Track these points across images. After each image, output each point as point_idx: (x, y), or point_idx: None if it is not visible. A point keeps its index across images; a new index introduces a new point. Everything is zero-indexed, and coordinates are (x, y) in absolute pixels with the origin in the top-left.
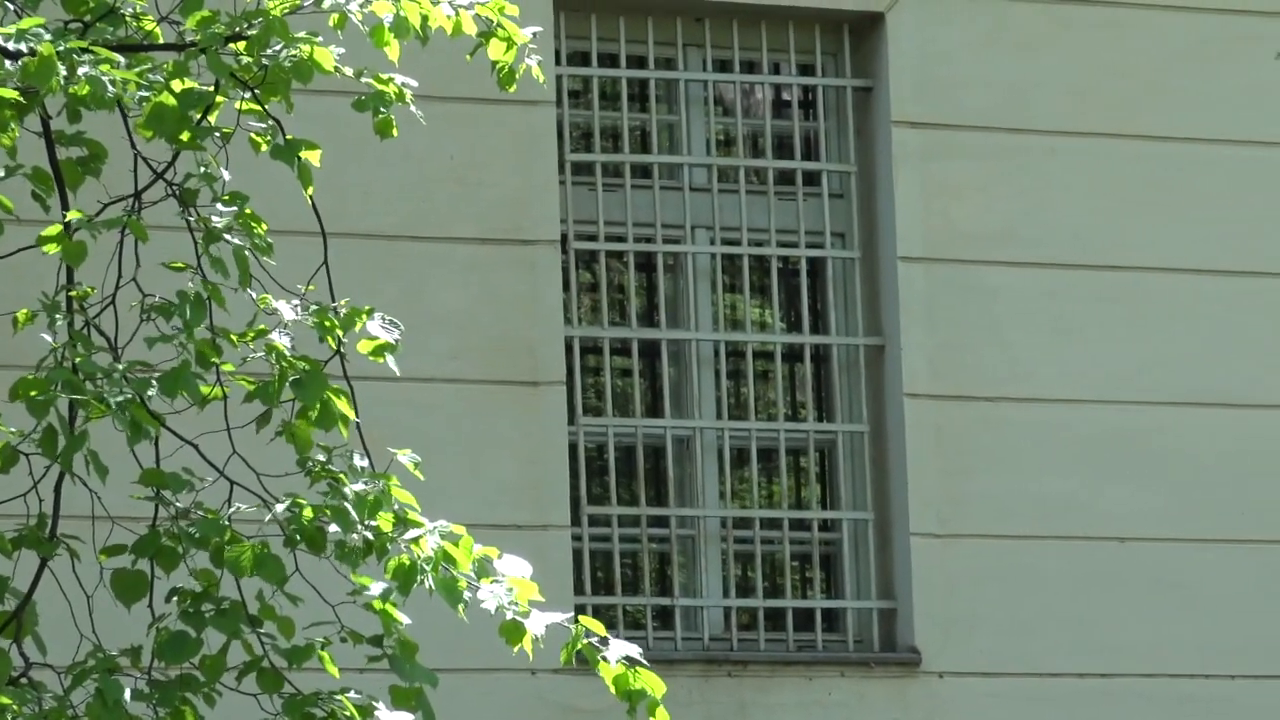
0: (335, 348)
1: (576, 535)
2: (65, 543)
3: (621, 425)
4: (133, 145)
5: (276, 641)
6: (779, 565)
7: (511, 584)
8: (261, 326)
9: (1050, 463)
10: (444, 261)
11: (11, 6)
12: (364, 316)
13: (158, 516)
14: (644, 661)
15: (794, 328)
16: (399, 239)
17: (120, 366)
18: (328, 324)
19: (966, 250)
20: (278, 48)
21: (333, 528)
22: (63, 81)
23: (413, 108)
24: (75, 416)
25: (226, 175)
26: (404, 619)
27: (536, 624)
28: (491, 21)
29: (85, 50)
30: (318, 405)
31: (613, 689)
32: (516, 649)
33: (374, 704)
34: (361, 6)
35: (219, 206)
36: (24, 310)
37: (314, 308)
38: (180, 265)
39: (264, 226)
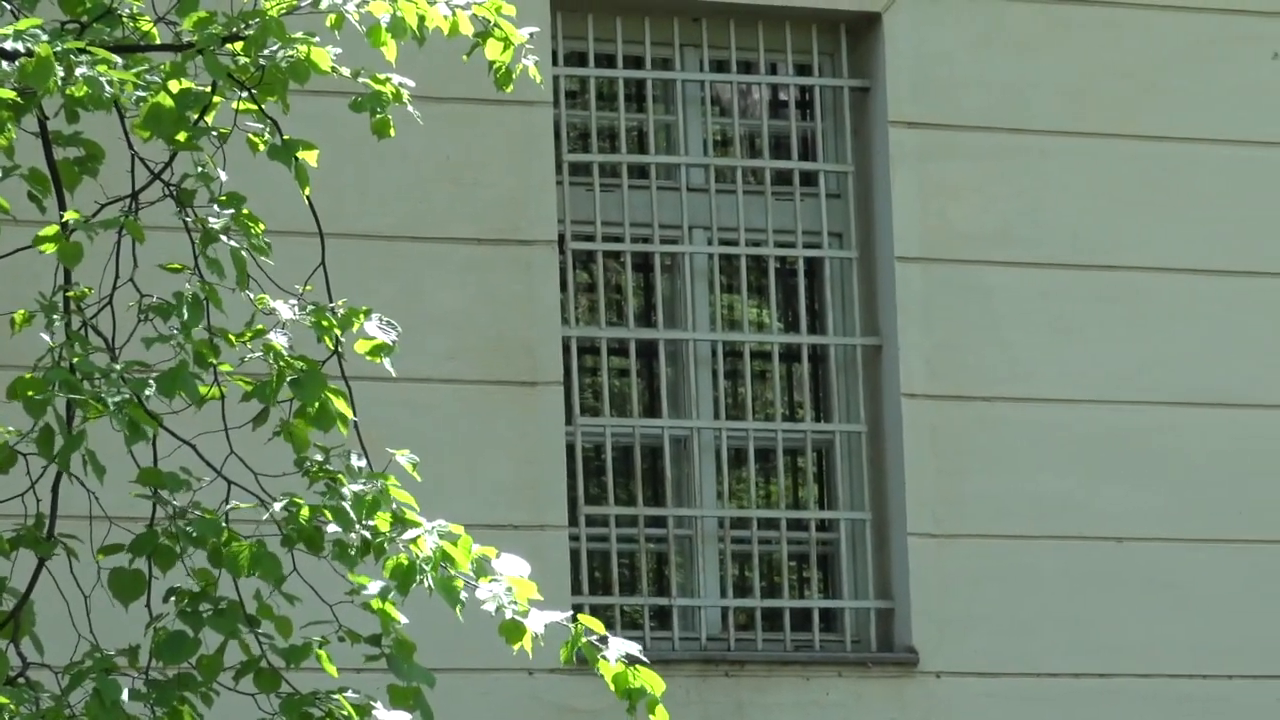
0: (333, 348)
1: (574, 535)
2: (63, 542)
3: (619, 425)
4: (130, 146)
5: (274, 641)
6: (776, 565)
7: (510, 583)
8: (259, 326)
9: (1047, 463)
10: (441, 262)
11: (9, 7)
12: (361, 317)
13: (155, 516)
14: (644, 659)
15: (791, 328)
16: (396, 239)
17: (118, 366)
18: (325, 324)
19: (964, 250)
20: (275, 48)
21: (331, 527)
22: (60, 82)
23: (410, 108)
24: (73, 416)
25: (224, 176)
26: (402, 618)
27: (536, 623)
28: (488, 22)
29: (82, 51)
30: (316, 405)
31: (612, 687)
32: (516, 648)
33: (372, 703)
34: (358, 7)
35: (216, 207)
36: (21, 310)
37: (311, 308)
38: (177, 267)
39: (261, 227)
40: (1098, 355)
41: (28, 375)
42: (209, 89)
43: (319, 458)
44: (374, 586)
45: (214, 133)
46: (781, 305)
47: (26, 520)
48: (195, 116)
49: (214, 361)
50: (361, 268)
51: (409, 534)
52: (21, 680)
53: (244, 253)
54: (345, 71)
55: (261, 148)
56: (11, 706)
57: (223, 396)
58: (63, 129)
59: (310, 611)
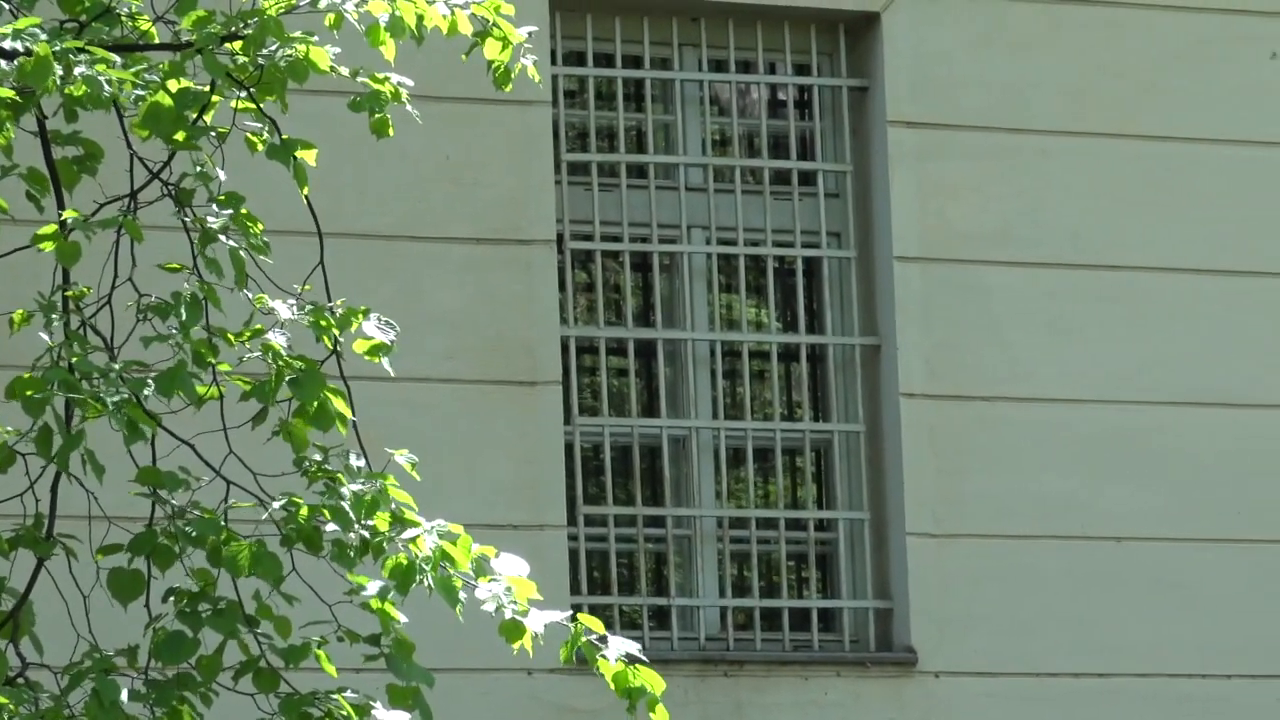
0: (331, 348)
1: (573, 535)
2: (62, 542)
3: (617, 425)
4: (129, 145)
5: (273, 641)
6: (775, 565)
7: (510, 583)
8: (258, 326)
9: (1046, 462)
10: (440, 261)
11: (7, 6)
12: (360, 316)
13: (154, 516)
14: (644, 658)
15: (790, 327)
16: (395, 239)
17: (116, 366)
18: (323, 324)
19: (962, 250)
20: (273, 47)
21: (330, 527)
22: (58, 81)
23: (409, 107)
24: (71, 416)
25: (222, 175)
26: (401, 618)
27: (536, 622)
28: (487, 21)
29: (81, 50)
30: (314, 404)
31: (613, 686)
32: (516, 648)
33: (371, 703)
34: (357, 6)
35: (215, 206)
36: (20, 310)
37: (310, 308)
38: (176, 266)
39: (260, 226)
40: (1097, 355)
41: (26, 375)
42: (208, 88)
43: (318, 457)
44: (373, 586)
45: (213, 132)
46: (780, 305)
47: (25, 520)
48: (194, 116)
49: (212, 361)
50: (360, 267)
51: (408, 533)
52: (21, 680)
53: (243, 252)
54: (344, 71)
55: (260, 147)
56: (11, 707)
57: (221, 396)
58: (61, 128)
59: (309, 612)
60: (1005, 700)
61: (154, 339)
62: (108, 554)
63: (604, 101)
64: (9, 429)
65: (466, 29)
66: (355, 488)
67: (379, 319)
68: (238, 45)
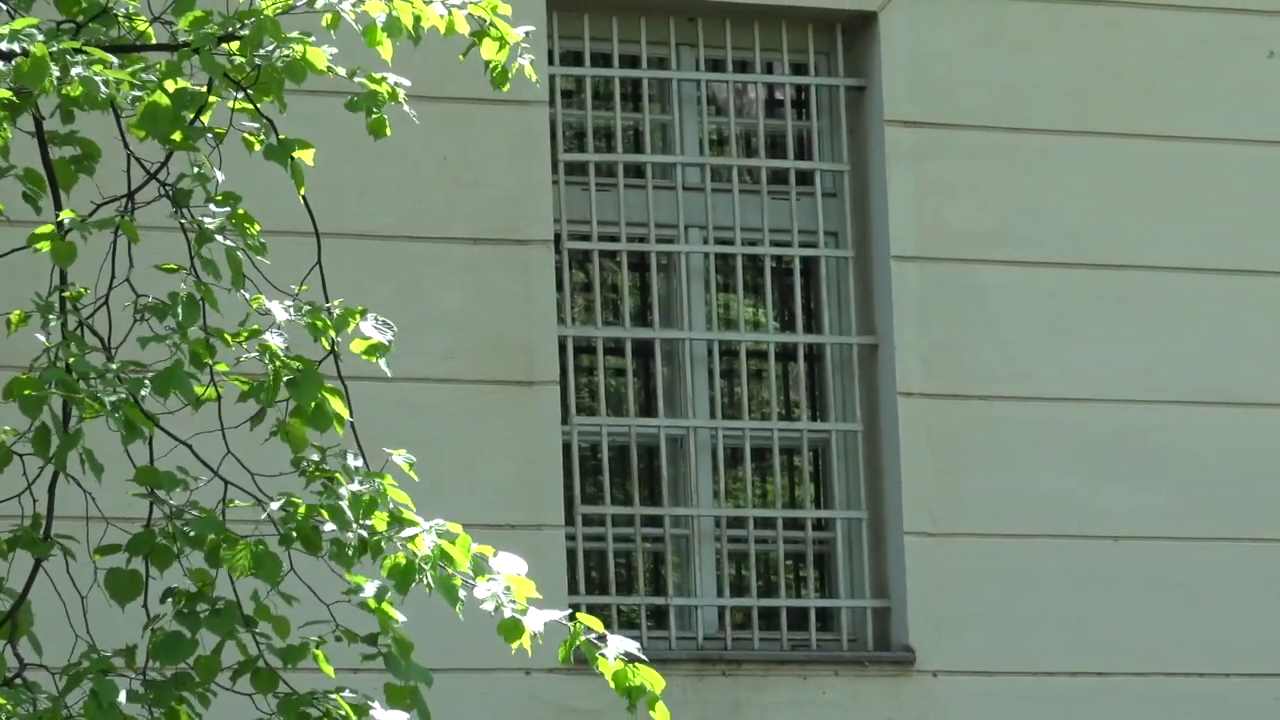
0: (328, 348)
1: (570, 535)
2: (60, 543)
3: (615, 425)
4: (126, 145)
5: (271, 641)
6: (773, 564)
7: (509, 582)
8: (255, 327)
9: (1044, 461)
10: (438, 261)
11: (4, 7)
12: (357, 317)
13: (152, 516)
14: (643, 657)
15: (788, 327)
16: (393, 239)
17: (114, 366)
18: (320, 324)
19: (960, 249)
20: (271, 48)
21: (328, 526)
22: (56, 82)
23: (406, 107)
24: (69, 416)
25: (220, 175)
26: (400, 617)
27: (535, 621)
28: (484, 21)
29: (78, 51)
30: (312, 405)
31: (612, 685)
32: (515, 647)
33: (369, 703)
34: (354, 6)
35: (212, 207)
36: (17, 311)
37: (307, 308)
38: (173, 267)
39: (257, 227)
40: (1095, 354)
41: (24, 375)
42: (205, 89)
43: (315, 457)
44: (370, 586)
45: (210, 133)
46: (778, 304)
47: (23, 521)
48: (191, 116)
49: (210, 361)
50: (358, 267)
51: (407, 532)
52: (19, 681)
53: (240, 253)
54: (341, 71)
55: (257, 147)
56: (9, 707)
57: (219, 396)
58: (58, 129)
59: (307, 611)
60: (1003, 699)
61: (151, 339)
62: (106, 554)
63: (601, 101)
64: (7, 429)
65: (464, 29)
66: (353, 488)
67: (376, 319)
68: (235, 45)
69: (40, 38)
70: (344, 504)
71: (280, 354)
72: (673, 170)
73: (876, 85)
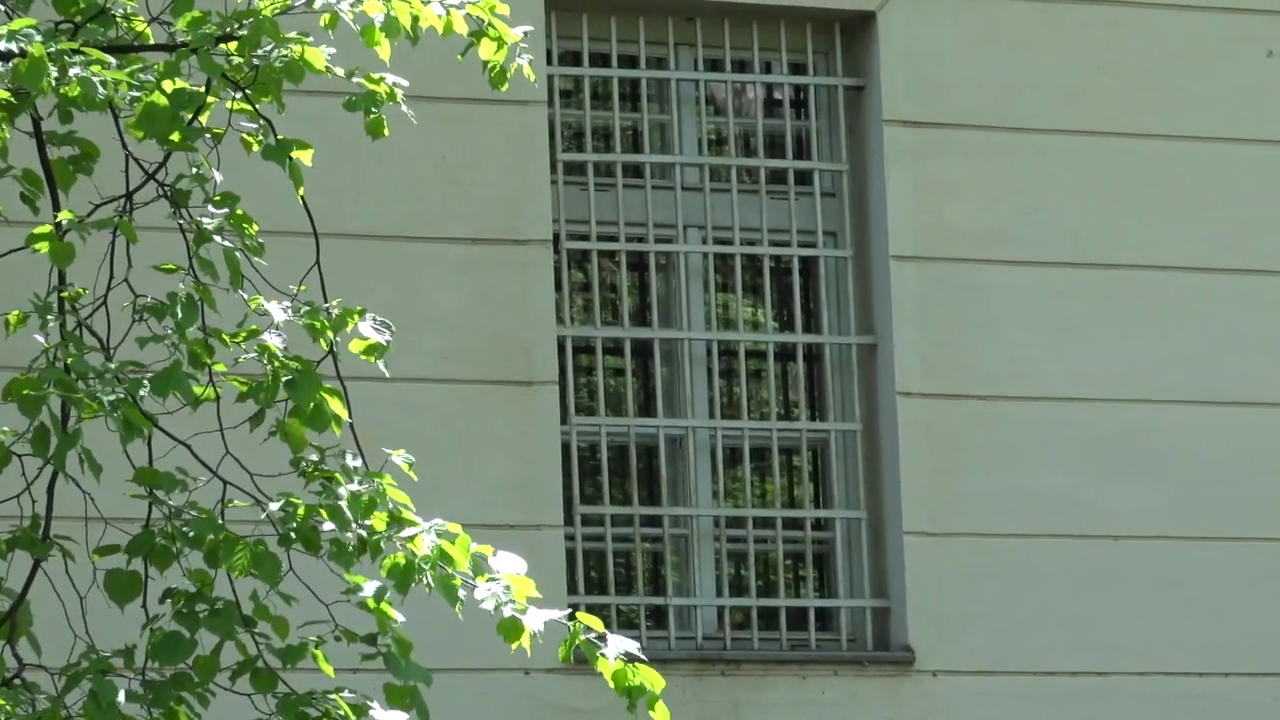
0: (327, 349)
1: (570, 535)
2: (59, 543)
3: (614, 425)
4: (124, 146)
5: (271, 641)
6: (772, 564)
7: (509, 581)
8: (254, 327)
9: (1043, 461)
10: (437, 262)
11: (2, 7)
12: (356, 317)
13: (151, 516)
14: (642, 657)
15: (786, 327)
16: (392, 239)
17: (113, 366)
18: (319, 325)
19: (959, 249)
20: (269, 48)
21: (327, 526)
22: (54, 82)
23: (404, 108)
24: (68, 416)
25: (218, 176)
26: (399, 617)
27: (534, 621)
28: (482, 21)
29: (76, 51)
30: (311, 405)
31: (612, 685)
32: (515, 646)
33: (369, 703)
34: (352, 6)
35: (210, 207)
36: (16, 311)
37: (306, 308)
38: (172, 267)
39: (255, 227)
40: (1095, 353)
41: (23, 375)
42: (203, 89)
43: (314, 458)
44: (370, 586)
45: (208, 133)
46: (776, 304)
47: (22, 521)
48: (189, 116)
49: (209, 362)
50: (357, 268)
51: (406, 532)
52: (18, 682)
53: (238, 253)
54: (340, 71)
55: (256, 148)
56: (8, 708)
57: (218, 397)
58: (56, 129)
59: (306, 612)
60: (1003, 699)
61: (150, 339)
62: (105, 555)
63: (600, 101)
64: (6, 429)
65: (462, 29)
66: (352, 488)
67: (374, 319)
68: (233, 46)
69: (38, 38)
70: (343, 504)
71: (279, 354)
72: (671, 170)
73: (875, 85)
